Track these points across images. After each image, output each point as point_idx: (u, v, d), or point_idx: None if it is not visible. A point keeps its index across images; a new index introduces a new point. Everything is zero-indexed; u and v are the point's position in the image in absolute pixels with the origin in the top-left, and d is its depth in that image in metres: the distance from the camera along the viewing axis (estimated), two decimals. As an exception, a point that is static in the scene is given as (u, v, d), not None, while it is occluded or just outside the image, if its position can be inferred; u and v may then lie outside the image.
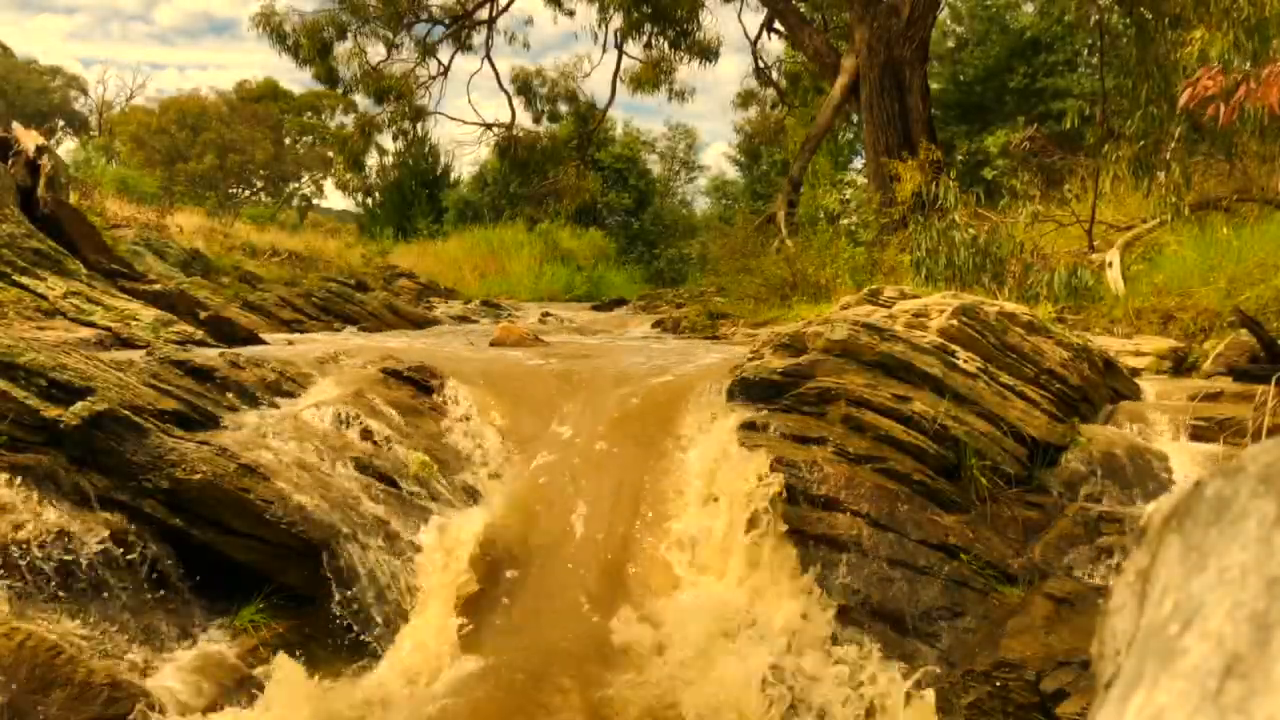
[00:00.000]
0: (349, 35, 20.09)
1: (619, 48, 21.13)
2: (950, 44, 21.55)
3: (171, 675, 3.08)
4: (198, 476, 3.44)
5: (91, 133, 38.78)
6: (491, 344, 7.22)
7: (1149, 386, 4.62)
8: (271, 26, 19.52)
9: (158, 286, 7.15)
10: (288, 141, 36.04)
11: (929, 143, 12.39)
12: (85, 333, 5.31)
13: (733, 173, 30.62)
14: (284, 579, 3.52)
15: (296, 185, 36.97)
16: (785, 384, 4.23)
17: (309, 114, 36.07)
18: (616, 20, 20.48)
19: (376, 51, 20.52)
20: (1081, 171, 9.74)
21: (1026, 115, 16.76)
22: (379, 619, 3.51)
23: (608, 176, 26.38)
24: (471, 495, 4.16)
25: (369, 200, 30.25)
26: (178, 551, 3.44)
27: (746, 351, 5.11)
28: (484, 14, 20.48)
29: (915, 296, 4.71)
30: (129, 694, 2.90)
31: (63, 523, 3.18)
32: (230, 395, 4.27)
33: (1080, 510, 3.62)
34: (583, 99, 22.52)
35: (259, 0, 21.27)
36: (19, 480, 3.20)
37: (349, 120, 25.43)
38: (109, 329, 5.49)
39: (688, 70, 43.10)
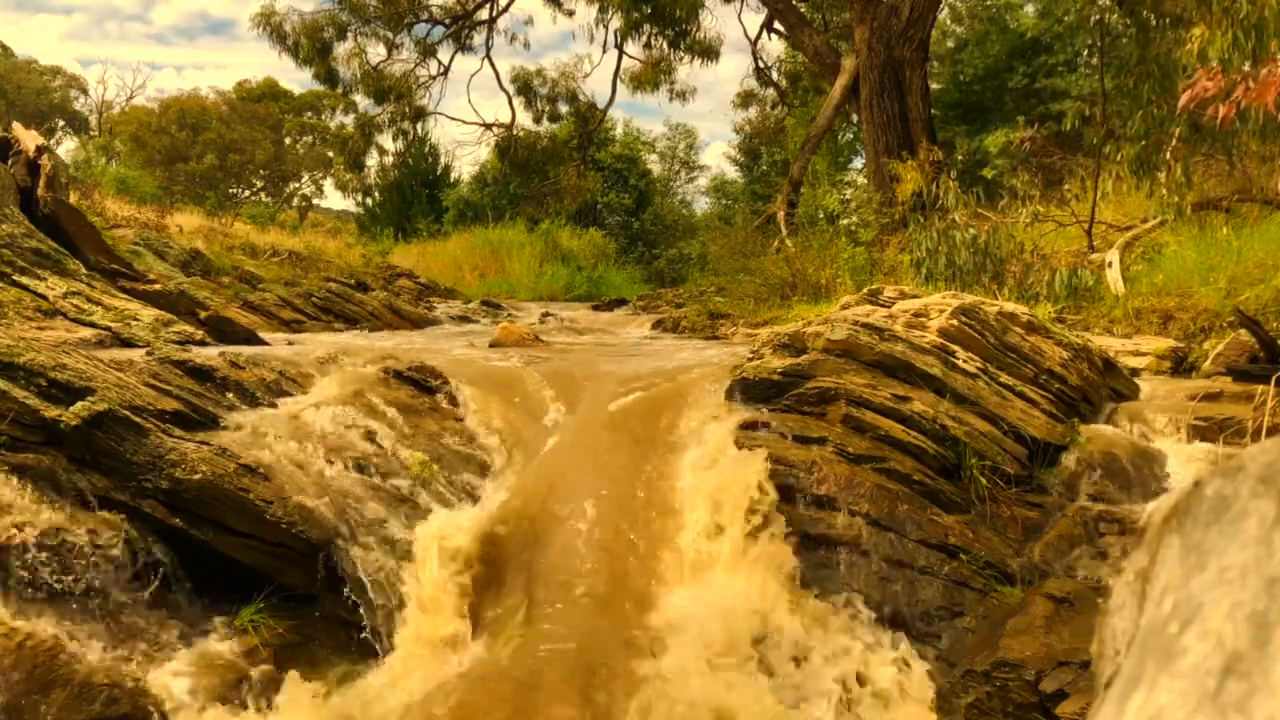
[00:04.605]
0: (349, 35, 20.09)
1: (619, 48, 21.12)
2: (950, 44, 21.56)
3: (172, 675, 3.08)
4: (198, 476, 3.44)
5: (91, 133, 38.78)
6: (492, 344, 7.22)
7: (1148, 386, 4.62)
8: (271, 26, 19.51)
9: (158, 286, 7.15)
10: (288, 141, 36.01)
11: (929, 143, 12.40)
12: (85, 333, 5.31)
13: (733, 173, 30.59)
14: (284, 579, 3.52)
15: (296, 185, 36.95)
16: (785, 384, 4.24)
17: (309, 114, 36.04)
18: (616, 20, 20.47)
19: (376, 51, 20.53)
20: (1081, 172, 9.74)
21: (1026, 115, 16.76)
22: (379, 619, 3.51)
23: (608, 176, 26.36)
24: (471, 495, 4.16)
25: (369, 200, 30.23)
26: (178, 551, 3.44)
27: (746, 351, 5.11)
28: (484, 14, 20.48)
29: (915, 296, 4.71)
30: (129, 694, 2.91)
31: (62, 523, 3.18)
32: (230, 395, 4.27)
33: (1080, 510, 3.62)
34: (583, 99, 22.51)
35: (258, 0, 21.29)
36: (19, 480, 3.20)
37: (349, 120, 25.37)
38: (109, 329, 5.49)
39: (688, 70, 43.16)
